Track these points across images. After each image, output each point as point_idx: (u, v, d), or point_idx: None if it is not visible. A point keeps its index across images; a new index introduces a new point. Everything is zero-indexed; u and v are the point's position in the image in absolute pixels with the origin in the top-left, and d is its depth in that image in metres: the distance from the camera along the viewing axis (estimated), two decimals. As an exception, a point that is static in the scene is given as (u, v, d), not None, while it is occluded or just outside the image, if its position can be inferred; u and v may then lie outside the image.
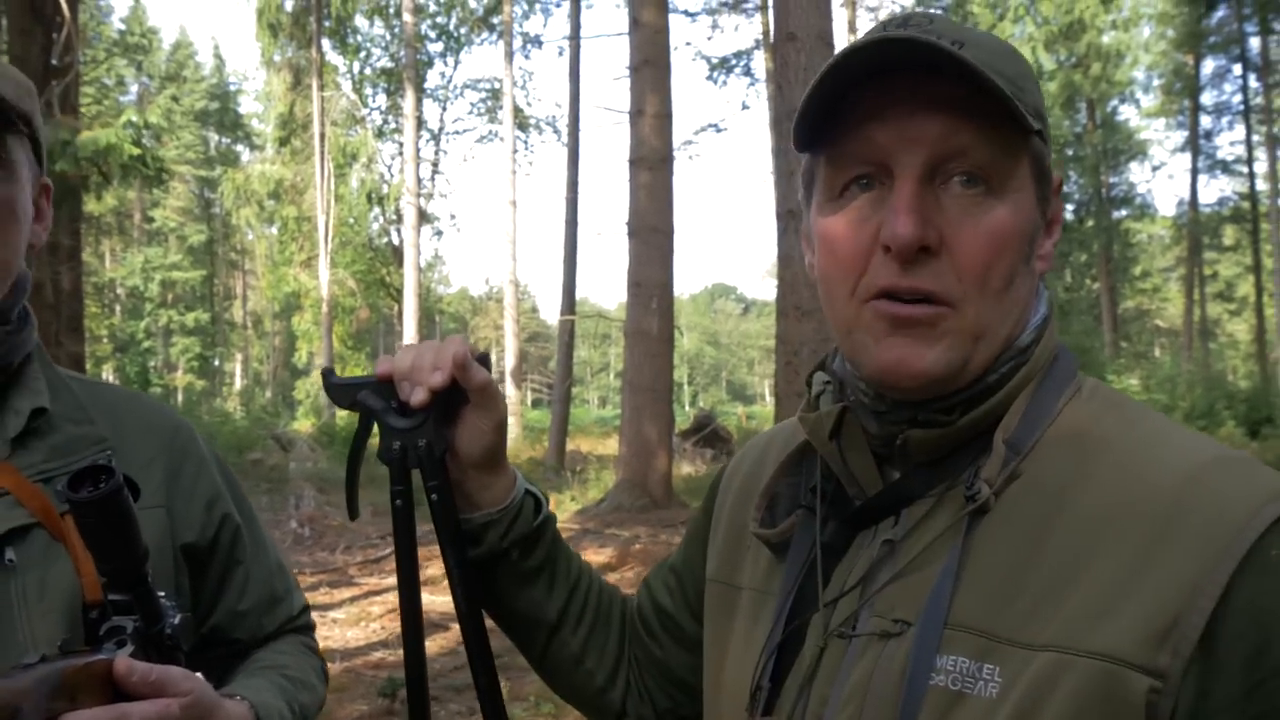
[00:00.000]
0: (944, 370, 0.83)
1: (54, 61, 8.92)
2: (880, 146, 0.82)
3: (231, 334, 56.44)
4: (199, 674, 0.95)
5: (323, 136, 30.43)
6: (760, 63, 27.91)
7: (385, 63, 32.83)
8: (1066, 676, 0.72)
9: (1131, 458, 0.79)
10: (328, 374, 1.08)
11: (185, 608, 1.04)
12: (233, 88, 53.93)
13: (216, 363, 55.45)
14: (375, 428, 1.08)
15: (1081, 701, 0.71)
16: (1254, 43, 27.53)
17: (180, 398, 40.52)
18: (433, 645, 6.75)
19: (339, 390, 1.07)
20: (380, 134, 32.94)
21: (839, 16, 21.16)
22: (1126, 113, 34.22)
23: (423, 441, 1.05)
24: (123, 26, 49.09)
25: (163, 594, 1.00)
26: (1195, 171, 29.93)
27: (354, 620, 7.42)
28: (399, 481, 1.07)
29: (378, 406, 1.06)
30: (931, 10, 0.89)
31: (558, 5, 31.05)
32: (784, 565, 0.94)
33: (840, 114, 0.84)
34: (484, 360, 1.07)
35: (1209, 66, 29.36)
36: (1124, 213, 33.31)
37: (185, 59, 53.53)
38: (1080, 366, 0.91)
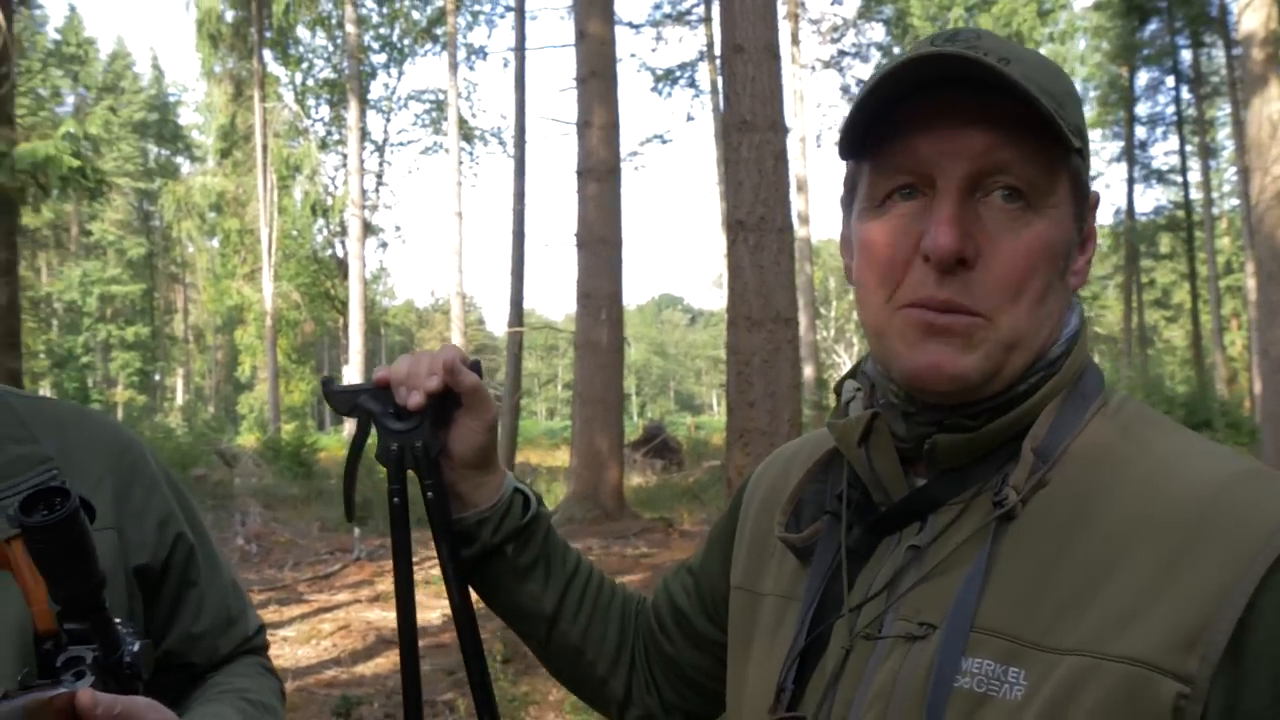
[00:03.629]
0: (977, 376, 0.84)
1: (-12, 72, 8.71)
2: (925, 158, 0.84)
3: (172, 348, 55.49)
4: (161, 704, 0.91)
5: (265, 148, 30.09)
6: (705, 74, 28.08)
7: (328, 74, 32.53)
8: (1094, 680, 0.72)
9: (1158, 470, 0.80)
10: (327, 382, 1.14)
11: (140, 633, 0.99)
12: (172, 99, 53.19)
13: (157, 378, 54.52)
14: (373, 432, 1.14)
15: (1109, 705, 0.72)
16: (1186, 55, 28.25)
17: (120, 414, 39.69)
18: (385, 662, 6.67)
19: (339, 396, 1.14)
20: (324, 145, 32.61)
21: (782, 28, 21.34)
22: (1064, 124, 34.70)
23: (419, 443, 1.11)
24: (58, 36, 48.22)
25: (119, 620, 0.96)
26: (1131, 181, 30.50)
27: (304, 638, 7.31)
28: (396, 480, 1.12)
29: (376, 410, 1.12)
30: (979, 28, 0.90)
31: (501, 17, 31.07)
32: (808, 570, 0.96)
33: (886, 124, 0.85)
34: (475, 367, 1.13)
35: (1143, 78, 30.01)
36: (1063, 222, 33.75)
37: (123, 69, 52.67)
38: None
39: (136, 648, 0.96)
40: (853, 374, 0.99)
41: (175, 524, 1.23)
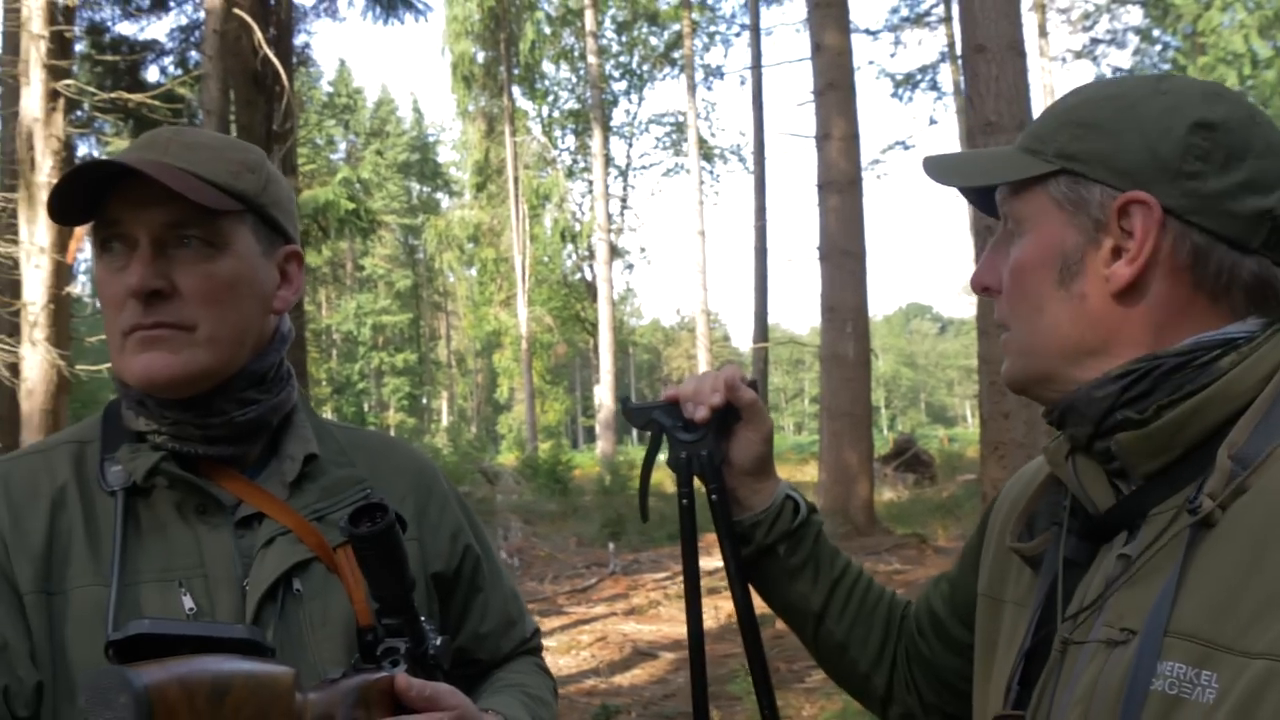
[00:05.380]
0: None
1: (275, 128, 9.66)
2: None
3: (437, 373, 58.96)
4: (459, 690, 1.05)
5: (516, 180, 31.65)
6: (947, 76, 27.32)
7: (572, 105, 33.93)
8: (1276, 684, 0.73)
9: None
10: (625, 400, 1.31)
11: (439, 631, 1.15)
12: (431, 139, 56.75)
13: (424, 401, 58.01)
14: (663, 443, 1.29)
15: None
16: None
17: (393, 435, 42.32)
18: (641, 673, 6.86)
19: (636, 413, 1.30)
20: (570, 174, 33.97)
21: (1028, 21, 20.45)
22: (1357, 98, 31.47)
23: (704, 452, 1.26)
24: (331, 89, 52.46)
25: (424, 618, 1.10)
26: None
27: (564, 648, 7.62)
28: (685, 485, 1.27)
29: (667, 424, 1.27)
30: None
31: (737, 35, 31.31)
32: (1039, 578, 1.01)
33: None
34: (753, 384, 1.26)
35: None
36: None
37: (387, 115, 56.63)
38: None
39: (438, 642, 1.11)
40: None
41: (465, 537, 1.39)
